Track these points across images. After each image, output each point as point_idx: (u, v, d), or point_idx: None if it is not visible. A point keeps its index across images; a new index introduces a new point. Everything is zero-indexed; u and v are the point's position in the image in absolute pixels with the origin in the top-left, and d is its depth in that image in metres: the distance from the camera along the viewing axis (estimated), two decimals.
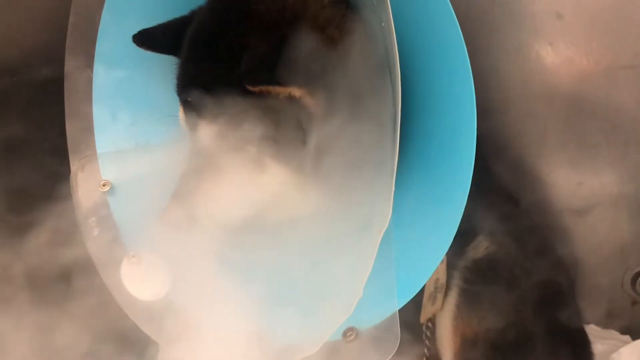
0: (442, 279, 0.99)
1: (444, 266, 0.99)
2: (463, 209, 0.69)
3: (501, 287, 0.99)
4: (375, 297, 0.62)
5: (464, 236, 0.73)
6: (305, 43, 0.72)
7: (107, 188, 0.93)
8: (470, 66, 0.67)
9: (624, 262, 1.23)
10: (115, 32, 0.92)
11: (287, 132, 0.76)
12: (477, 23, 1.08)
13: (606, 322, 1.27)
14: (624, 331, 1.26)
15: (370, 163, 0.71)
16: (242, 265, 0.81)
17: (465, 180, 0.69)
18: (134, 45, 0.88)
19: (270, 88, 0.72)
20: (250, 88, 0.72)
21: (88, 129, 0.95)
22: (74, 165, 0.94)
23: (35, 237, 0.89)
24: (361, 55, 0.76)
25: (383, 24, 0.63)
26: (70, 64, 0.93)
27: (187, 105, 0.82)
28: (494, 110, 1.15)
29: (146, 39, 0.88)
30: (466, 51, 0.67)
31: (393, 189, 0.59)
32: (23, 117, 1.02)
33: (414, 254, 0.74)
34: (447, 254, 0.73)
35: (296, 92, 0.72)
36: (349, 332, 0.68)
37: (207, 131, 0.79)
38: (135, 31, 0.87)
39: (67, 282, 0.89)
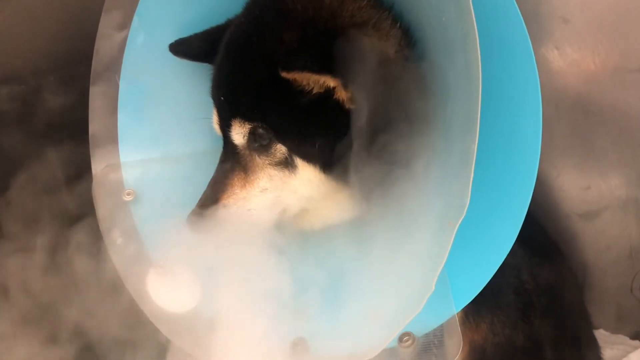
0: None
1: None
2: (527, 208, 0.69)
3: (509, 292, 0.99)
4: (429, 302, 0.61)
5: None
6: (341, 39, 0.72)
7: (131, 197, 0.92)
8: (535, 60, 0.68)
9: (633, 266, 1.22)
10: (143, 41, 0.93)
11: (321, 131, 0.77)
12: None
13: (615, 327, 1.26)
14: (633, 336, 1.25)
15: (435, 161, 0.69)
16: (287, 270, 0.79)
17: (529, 180, 0.69)
18: (161, 54, 0.90)
19: (305, 74, 0.73)
20: (285, 75, 0.73)
21: (112, 137, 0.94)
22: (96, 174, 0.93)
23: None
24: (402, 55, 0.77)
25: (444, 18, 0.62)
26: (98, 69, 0.93)
27: (221, 105, 0.83)
28: None
29: (182, 48, 0.91)
30: (531, 45, 0.68)
31: (471, 179, 0.57)
32: (30, 123, 1.03)
33: (473, 255, 0.72)
34: None
35: (330, 81, 0.73)
36: (406, 337, 0.67)
37: (240, 130, 0.80)
38: (162, 41, 0.89)
39: None
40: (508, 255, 0.99)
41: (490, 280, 0.97)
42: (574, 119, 1.14)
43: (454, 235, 0.57)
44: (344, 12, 0.77)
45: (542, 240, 1.13)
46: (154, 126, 0.95)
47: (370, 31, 0.76)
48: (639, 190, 1.16)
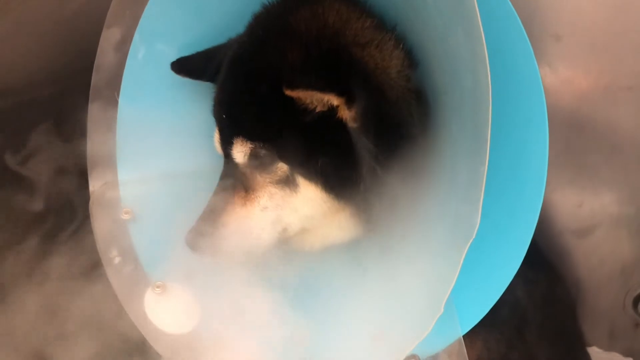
0: None
1: None
2: (534, 229, 0.69)
3: (504, 308, 0.98)
4: (435, 324, 0.61)
5: None
6: (344, 58, 0.73)
7: (129, 216, 0.90)
8: (540, 77, 0.68)
9: (625, 283, 1.22)
10: (143, 58, 0.93)
11: (324, 150, 0.77)
12: None
13: (609, 345, 1.26)
14: (626, 353, 1.25)
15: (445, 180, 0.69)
16: (288, 291, 0.79)
17: (536, 200, 0.69)
18: (161, 72, 0.90)
19: (309, 92, 0.73)
20: (289, 93, 0.73)
21: (110, 154, 0.93)
22: (94, 192, 0.92)
23: None
24: (404, 76, 0.77)
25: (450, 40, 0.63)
26: (97, 85, 0.92)
27: (223, 123, 0.83)
28: None
29: (184, 66, 0.91)
30: (536, 65, 0.68)
31: (481, 201, 0.57)
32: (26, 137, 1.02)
33: (479, 278, 0.71)
34: None
35: (334, 100, 0.73)
36: None
37: (242, 148, 0.80)
38: (163, 58, 0.89)
39: None
40: None
41: None
42: (566, 136, 1.15)
43: (463, 257, 0.57)
44: (348, 32, 0.77)
45: (536, 257, 1.13)
46: (153, 144, 0.94)
47: (374, 51, 0.77)
48: (631, 207, 1.17)
